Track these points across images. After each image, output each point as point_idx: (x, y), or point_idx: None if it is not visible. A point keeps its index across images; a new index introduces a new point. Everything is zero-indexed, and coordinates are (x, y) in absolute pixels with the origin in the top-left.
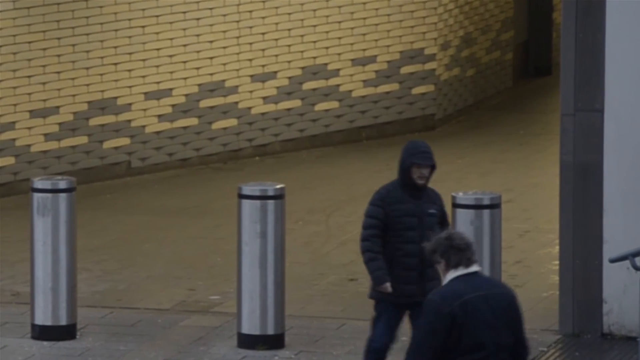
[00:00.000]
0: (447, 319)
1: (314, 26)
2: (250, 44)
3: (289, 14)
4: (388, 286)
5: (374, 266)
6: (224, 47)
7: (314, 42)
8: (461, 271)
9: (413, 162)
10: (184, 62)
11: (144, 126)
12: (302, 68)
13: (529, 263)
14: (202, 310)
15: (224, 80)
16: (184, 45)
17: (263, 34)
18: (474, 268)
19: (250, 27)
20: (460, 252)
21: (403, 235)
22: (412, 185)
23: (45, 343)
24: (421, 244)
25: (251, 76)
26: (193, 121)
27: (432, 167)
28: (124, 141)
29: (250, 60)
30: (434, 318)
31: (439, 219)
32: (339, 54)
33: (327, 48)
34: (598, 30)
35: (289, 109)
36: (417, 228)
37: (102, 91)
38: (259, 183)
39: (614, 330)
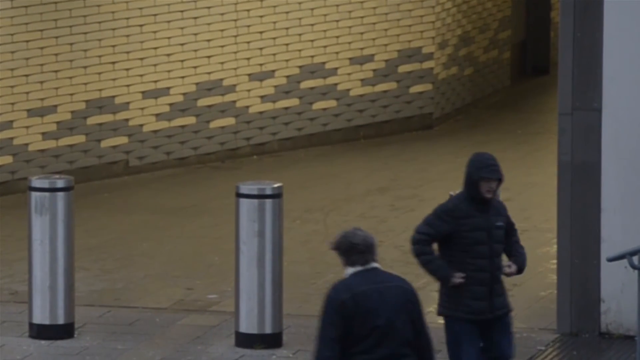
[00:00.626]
0: (340, 310)
1: (312, 25)
2: (248, 42)
3: (287, 12)
4: (459, 276)
5: (435, 265)
6: (222, 46)
7: (312, 40)
8: (358, 268)
9: (481, 176)
10: (182, 61)
11: (141, 125)
12: (300, 67)
13: (527, 262)
14: (200, 309)
15: (221, 79)
16: (182, 44)
17: (261, 32)
18: (373, 265)
19: (248, 26)
20: (359, 253)
21: (472, 251)
22: (480, 199)
23: (43, 342)
24: (490, 258)
25: (249, 75)
26: (191, 120)
27: (500, 180)
28: (122, 140)
29: (248, 59)
30: (330, 310)
31: (506, 230)
32: (337, 53)
33: (325, 47)
34: (596, 30)
35: (286, 108)
36: (486, 242)
37: (100, 90)
38: (257, 182)
39: (612, 329)
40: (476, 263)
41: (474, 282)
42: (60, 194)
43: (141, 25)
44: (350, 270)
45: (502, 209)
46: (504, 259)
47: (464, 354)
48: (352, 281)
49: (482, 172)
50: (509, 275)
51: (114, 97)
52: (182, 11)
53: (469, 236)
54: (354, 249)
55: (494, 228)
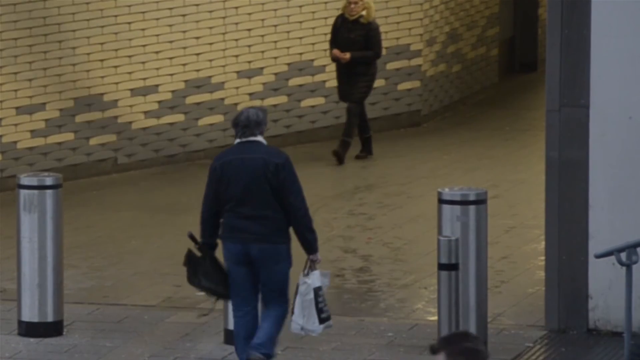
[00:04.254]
0: (212, 174)
1: (300, 22)
2: (237, 40)
3: (275, 10)
4: None
5: None
6: (210, 44)
7: (300, 38)
8: (239, 139)
9: None
10: (170, 58)
11: (130, 122)
12: (289, 64)
13: (514, 259)
14: (188, 307)
15: (210, 77)
16: (170, 42)
17: (249, 30)
18: (251, 139)
19: (237, 24)
20: (241, 127)
21: None
22: None
23: (32, 339)
24: None
25: (237, 72)
26: (179, 117)
27: None
28: (110, 138)
29: (236, 56)
30: (209, 174)
31: None
32: (325, 50)
33: (313, 44)
34: (583, 27)
35: (275, 105)
36: None
37: (89, 88)
38: None
39: (600, 326)
40: None
41: None
42: (49, 192)
43: (129, 23)
44: (235, 140)
45: None
46: None
47: None
48: (227, 151)
49: None
50: None
51: (102, 94)
52: (170, 9)
53: None
54: (237, 123)
55: None
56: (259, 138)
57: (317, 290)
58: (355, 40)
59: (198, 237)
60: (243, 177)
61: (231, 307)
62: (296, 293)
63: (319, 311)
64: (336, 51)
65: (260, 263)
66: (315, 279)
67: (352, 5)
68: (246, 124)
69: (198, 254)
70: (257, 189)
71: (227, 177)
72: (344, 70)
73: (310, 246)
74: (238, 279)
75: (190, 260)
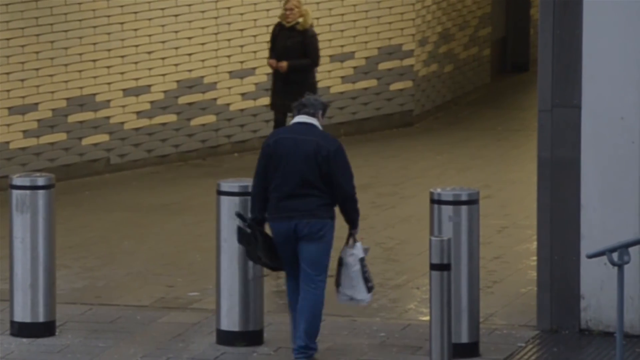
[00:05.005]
0: (265, 150)
1: None
2: (229, 40)
3: (267, 10)
4: None
5: None
6: (203, 44)
7: None
8: (295, 119)
9: None
10: (163, 58)
11: (122, 123)
12: None
13: (507, 259)
14: (181, 307)
15: (202, 77)
16: (163, 42)
17: (241, 30)
18: (305, 119)
19: (229, 24)
20: (300, 107)
21: None
22: None
23: (24, 340)
24: None
25: (230, 72)
26: (172, 118)
27: None
28: (103, 138)
29: (228, 56)
30: (261, 150)
31: None
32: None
33: None
34: (575, 27)
35: (267, 105)
36: None
37: (81, 88)
38: (238, 179)
39: (592, 326)
40: None
41: None
42: (41, 192)
43: (122, 23)
44: (292, 121)
45: None
46: None
47: None
48: (283, 129)
49: None
50: None
51: (95, 94)
52: (162, 9)
53: None
54: (299, 104)
55: None
56: (314, 121)
57: (362, 261)
58: (292, 47)
59: (245, 215)
60: (294, 157)
61: (285, 280)
62: (339, 266)
63: (366, 280)
64: (272, 61)
65: (306, 239)
66: (359, 250)
67: (288, 12)
68: (305, 103)
69: (247, 230)
70: (306, 171)
71: (278, 154)
72: (280, 78)
73: (353, 223)
74: (287, 257)
75: (243, 238)
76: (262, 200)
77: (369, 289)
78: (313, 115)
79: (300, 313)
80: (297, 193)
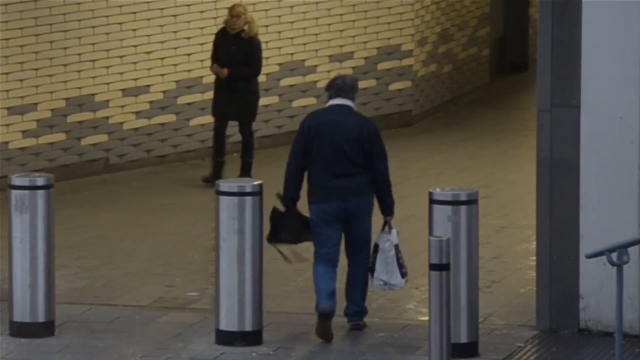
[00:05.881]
0: (305, 130)
1: (291, 22)
2: None
3: (266, 10)
4: None
5: None
6: (202, 44)
7: (291, 38)
8: (332, 102)
9: None
10: (162, 58)
11: (121, 123)
12: (280, 64)
13: (506, 259)
14: (180, 307)
15: (201, 77)
16: (162, 42)
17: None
18: (342, 101)
19: None
20: (336, 89)
21: None
22: None
23: (23, 340)
24: None
25: None
26: (171, 118)
27: None
28: (102, 138)
29: None
30: (300, 131)
31: None
32: (316, 51)
33: (304, 44)
34: (574, 26)
35: (266, 106)
36: None
37: (80, 88)
38: (237, 179)
39: (591, 326)
40: None
41: None
42: (41, 192)
43: (121, 23)
44: (329, 103)
45: None
46: None
47: None
48: (321, 112)
49: None
50: None
51: (93, 95)
52: (161, 9)
53: None
54: (332, 86)
55: None
56: (351, 103)
57: (396, 247)
58: (234, 55)
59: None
60: (338, 139)
61: (316, 259)
62: (374, 252)
63: (400, 266)
64: (215, 66)
65: (355, 215)
66: (394, 236)
67: (234, 19)
68: (341, 86)
69: (282, 210)
70: (351, 151)
71: (320, 136)
72: (222, 86)
73: (388, 208)
74: (330, 237)
75: (275, 216)
76: (299, 179)
77: (403, 275)
78: (350, 97)
79: (354, 282)
80: (346, 173)
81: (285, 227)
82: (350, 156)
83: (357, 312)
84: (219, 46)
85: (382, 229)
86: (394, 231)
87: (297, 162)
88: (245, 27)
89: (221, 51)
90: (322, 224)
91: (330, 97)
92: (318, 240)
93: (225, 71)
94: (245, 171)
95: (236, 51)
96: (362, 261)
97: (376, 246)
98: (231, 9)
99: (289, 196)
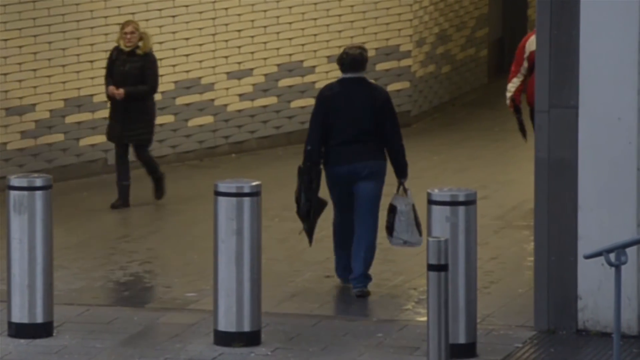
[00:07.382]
0: (324, 101)
1: (290, 23)
2: (226, 41)
3: (265, 11)
4: None
5: None
6: (200, 45)
7: (290, 39)
8: (345, 75)
9: None
10: (160, 59)
11: None
12: (278, 65)
13: (504, 260)
14: (178, 308)
15: (200, 78)
16: (160, 43)
17: (239, 31)
18: (353, 75)
19: (226, 25)
20: (347, 64)
21: None
22: None
23: (21, 341)
24: None
25: (227, 73)
26: (169, 118)
27: None
28: (100, 139)
29: (226, 57)
30: (318, 102)
31: None
32: (315, 51)
33: (302, 45)
34: (573, 28)
35: (265, 106)
36: None
37: (78, 89)
38: (235, 180)
39: (589, 327)
40: None
41: None
42: (39, 193)
43: (119, 24)
44: (342, 75)
45: None
46: None
47: None
48: (337, 83)
49: None
50: None
51: (92, 95)
52: (160, 10)
53: None
54: (343, 61)
55: None
56: (362, 74)
57: (414, 207)
58: (130, 73)
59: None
60: (353, 108)
61: (334, 219)
62: (391, 213)
63: (418, 225)
64: (112, 88)
65: (367, 178)
66: (410, 197)
67: (129, 36)
68: (353, 60)
69: (304, 176)
70: (365, 119)
71: (337, 107)
72: (119, 107)
73: (403, 170)
74: (342, 197)
75: (302, 177)
76: (320, 146)
77: (421, 233)
78: (360, 70)
79: (359, 241)
80: (357, 139)
81: (309, 190)
82: (364, 123)
83: (360, 275)
84: (114, 65)
85: (397, 191)
86: (409, 192)
87: (318, 131)
88: (140, 44)
89: (116, 70)
90: (335, 185)
91: (344, 71)
92: (337, 202)
93: (122, 91)
94: (159, 186)
95: (132, 69)
96: (369, 219)
97: (393, 207)
98: (123, 26)
99: (314, 161)
